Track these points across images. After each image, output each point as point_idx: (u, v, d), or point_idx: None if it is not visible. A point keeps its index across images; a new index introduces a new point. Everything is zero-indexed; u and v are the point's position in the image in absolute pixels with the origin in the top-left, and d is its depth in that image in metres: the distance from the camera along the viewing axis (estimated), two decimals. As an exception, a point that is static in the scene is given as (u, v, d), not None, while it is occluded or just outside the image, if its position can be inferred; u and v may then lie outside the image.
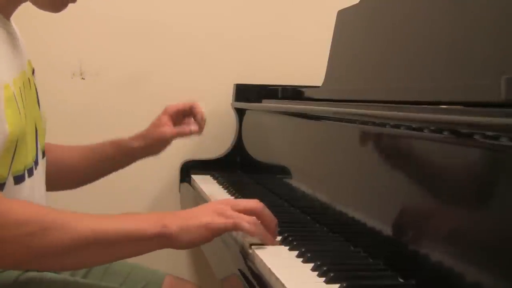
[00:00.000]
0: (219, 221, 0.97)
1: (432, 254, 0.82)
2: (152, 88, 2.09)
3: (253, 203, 1.03)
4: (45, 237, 0.90)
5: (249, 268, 0.99)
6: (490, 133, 0.70)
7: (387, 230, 0.95)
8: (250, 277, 0.96)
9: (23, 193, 1.05)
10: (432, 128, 0.83)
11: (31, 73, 1.21)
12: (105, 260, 1.02)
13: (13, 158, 1.02)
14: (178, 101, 2.07)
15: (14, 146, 1.02)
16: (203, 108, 1.44)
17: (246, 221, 0.99)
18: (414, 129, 0.87)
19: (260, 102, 1.89)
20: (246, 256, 1.03)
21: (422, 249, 0.84)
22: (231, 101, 2.03)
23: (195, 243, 0.98)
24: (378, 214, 0.99)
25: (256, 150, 1.87)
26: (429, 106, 0.89)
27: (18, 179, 1.05)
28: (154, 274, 1.33)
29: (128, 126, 2.07)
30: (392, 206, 0.95)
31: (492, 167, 0.72)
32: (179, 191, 1.98)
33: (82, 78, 2.04)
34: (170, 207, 2.03)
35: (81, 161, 1.39)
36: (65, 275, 1.19)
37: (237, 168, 1.96)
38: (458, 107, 0.84)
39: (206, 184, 1.74)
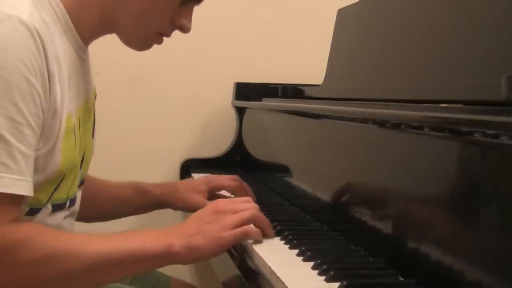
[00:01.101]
0: (227, 235, 0.97)
1: (432, 252, 0.82)
2: (152, 86, 2.08)
3: (251, 211, 1.03)
4: (54, 263, 0.90)
5: (250, 267, 0.99)
6: (490, 132, 0.70)
7: (387, 229, 0.95)
8: (251, 276, 0.96)
9: (54, 221, 1.04)
10: (433, 126, 0.83)
11: (94, 99, 1.18)
12: (111, 281, 1.02)
13: (57, 188, 1.01)
14: (178, 100, 2.09)
15: (62, 177, 1.01)
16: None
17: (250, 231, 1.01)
18: (414, 127, 0.87)
19: (260, 100, 1.89)
20: (246, 255, 1.03)
21: (422, 248, 0.84)
22: (231, 100, 2.03)
23: (206, 257, 0.98)
24: (378, 213, 0.99)
25: (256, 149, 1.87)
26: (429, 104, 0.89)
27: (58, 207, 1.04)
28: (161, 276, 1.33)
29: (128, 126, 2.08)
30: (392, 204, 0.95)
31: (493, 165, 0.72)
32: (179, 190, 1.98)
33: (82, 77, 2.04)
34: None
35: (105, 198, 1.35)
36: None
37: (237, 166, 1.96)
38: (459, 105, 0.84)
39: (206, 182, 1.74)
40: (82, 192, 1.16)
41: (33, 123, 0.90)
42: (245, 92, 1.99)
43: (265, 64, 2.12)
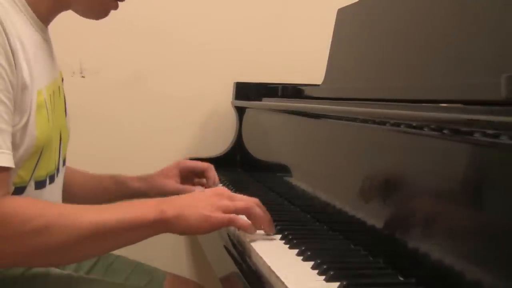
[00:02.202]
0: (217, 215, 0.99)
1: (432, 252, 0.82)
2: (152, 86, 2.09)
3: (246, 202, 1.04)
4: (48, 234, 0.92)
5: (249, 267, 0.99)
6: (490, 132, 0.70)
7: (387, 229, 0.95)
8: (250, 276, 0.96)
9: (42, 198, 1.07)
10: (432, 126, 0.83)
11: (61, 81, 1.23)
12: (107, 250, 1.05)
13: (37, 164, 1.03)
14: (178, 100, 2.09)
15: (40, 151, 1.03)
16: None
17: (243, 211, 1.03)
18: (414, 127, 0.87)
19: (260, 100, 1.89)
20: (246, 255, 1.03)
21: (422, 248, 0.84)
22: (231, 100, 2.03)
23: (192, 230, 1.00)
24: (378, 213, 0.99)
25: (256, 149, 1.87)
26: (429, 104, 0.89)
27: (40, 185, 1.07)
28: (156, 272, 1.34)
29: (128, 125, 2.08)
30: (392, 204, 0.95)
31: (493, 165, 0.72)
32: (179, 190, 1.98)
33: (82, 77, 2.04)
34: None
35: (81, 186, 1.40)
36: (69, 271, 1.19)
37: (237, 166, 1.96)
38: (458, 105, 0.84)
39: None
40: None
41: (4, 98, 0.93)
42: (245, 92, 2.00)
43: (265, 64, 2.12)
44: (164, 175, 1.43)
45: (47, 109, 1.05)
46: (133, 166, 2.04)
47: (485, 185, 0.73)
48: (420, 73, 1.11)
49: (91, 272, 1.29)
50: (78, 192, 1.38)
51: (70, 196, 1.32)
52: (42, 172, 1.07)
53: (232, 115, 2.03)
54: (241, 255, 1.04)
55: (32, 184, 1.05)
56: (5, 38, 0.94)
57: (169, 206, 0.98)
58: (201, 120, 2.12)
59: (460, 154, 0.78)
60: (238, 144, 1.98)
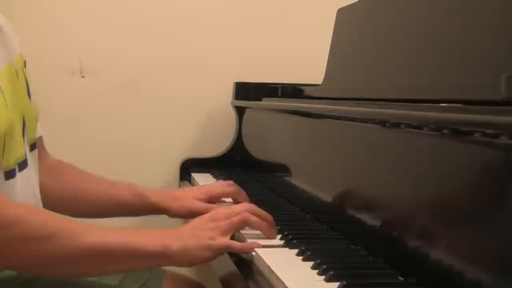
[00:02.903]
0: (216, 242, 0.99)
1: (432, 252, 0.81)
2: (152, 86, 2.08)
3: (242, 215, 1.04)
4: (51, 244, 0.91)
5: (249, 267, 0.99)
6: (490, 131, 0.70)
7: (387, 229, 0.95)
8: (250, 276, 0.96)
9: (15, 189, 1.05)
10: (432, 126, 0.83)
11: (22, 65, 1.18)
12: (102, 273, 1.04)
13: (2, 154, 1.01)
14: (178, 100, 2.09)
15: (3, 140, 1.00)
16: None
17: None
18: (414, 127, 0.87)
19: (260, 100, 1.88)
20: (245, 255, 1.03)
21: (422, 248, 0.84)
22: (231, 100, 2.03)
23: (198, 261, 1.00)
24: (378, 213, 0.99)
25: (256, 149, 1.86)
26: (429, 104, 0.89)
27: (9, 175, 1.04)
28: (154, 271, 1.33)
29: (128, 125, 2.08)
30: (392, 204, 0.95)
31: (492, 165, 0.72)
32: (179, 190, 1.98)
33: (82, 77, 2.04)
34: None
35: (93, 192, 1.32)
36: None
37: (237, 166, 1.96)
38: (458, 105, 0.84)
39: (206, 182, 1.74)
40: (72, 186, 1.17)
41: None
42: (245, 91, 1.99)
43: (265, 64, 2.12)
44: (193, 196, 1.33)
45: (3, 95, 1.01)
46: (133, 166, 2.05)
47: (485, 185, 0.73)
48: (420, 73, 1.11)
49: None
50: (90, 197, 1.31)
51: (79, 201, 1.29)
52: (10, 161, 1.03)
53: (232, 115, 2.02)
54: (240, 255, 1.04)
55: (1, 175, 1.02)
56: None
57: (172, 240, 0.97)
58: (201, 120, 2.12)
59: (460, 154, 0.78)
60: (238, 144, 1.98)
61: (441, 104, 0.86)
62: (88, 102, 2.05)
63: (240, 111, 1.99)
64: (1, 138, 1.00)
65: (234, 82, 2.04)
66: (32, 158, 1.14)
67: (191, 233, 1.00)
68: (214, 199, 1.36)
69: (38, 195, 1.16)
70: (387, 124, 0.96)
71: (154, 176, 2.08)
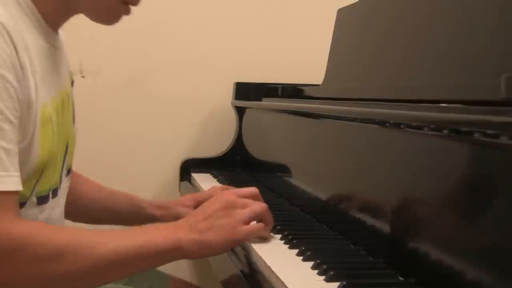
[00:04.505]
0: (241, 234, 0.97)
1: (432, 252, 0.82)
2: (152, 86, 2.09)
3: (261, 206, 1.02)
4: (62, 261, 0.89)
5: (250, 267, 0.99)
6: (490, 132, 0.70)
7: (387, 229, 0.95)
8: (250, 276, 0.96)
9: (43, 214, 1.03)
10: (432, 126, 0.83)
11: (70, 85, 1.17)
12: (118, 279, 1.01)
13: (38, 180, 0.99)
14: (178, 100, 2.09)
15: (42, 168, 0.99)
16: None
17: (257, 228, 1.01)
18: (414, 127, 0.87)
19: (260, 100, 1.89)
20: (246, 255, 1.03)
21: (422, 248, 0.84)
22: (231, 100, 2.03)
23: (215, 253, 0.98)
24: (377, 212, 0.99)
25: (256, 149, 1.87)
26: (429, 104, 0.89)
27: (42, 200, 1.02)
28: (159, 275, 1.33)
29: (128, 125, 2.08)
30: (392, 204, 0.95)
31: (492, 165, 0.72)
32: (179, 190, 1.98)
33: (82, 77, 2.05)
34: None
35: (94, 200, 1.34)
36: None
37: (237, 166, 1.96)
38: (458, 105, 0.84)
39: (206, 182, 1.74)
40: (73, 192, 1.17)
41: (11, 117, 0.88)
42: (245, 92, 2.00)
43: (265, 64, 2.12)
44: (181, 204, 1.36)
45: (52, 124, 1.00)
46: (133, 166, 2.05)
47: (485, 185, 0.73)
48: (420, 73, 1.11)
49: None
50: (90, 204, 1.33)
51: (79, 208, 1.29)
52: (44, 187, 1.02)
53: (232, 115, 2.03)
54: (241, 255, 1.04)
55: (33, 200, 1.00)
56: (15, 52, 0.90)
57: (185, 233, 0.95)
58: (201, 120, 2.12)
59: (460, 154, 0.78)
60: (238, 144, 1.98)
61: (441, 104, 0.86)
62: (88, 102, 2.04)
63: (240, 111, 1.99)
64: (41, 167, 0.99)
65: (234, 82, 2.04)
66: (65, 183, 1.12)
67: (206, 224, 0.96)
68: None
69: (63, 218, 1.14)
70: (387, 124, 0.96)
71: (154, 176, 2.08)
